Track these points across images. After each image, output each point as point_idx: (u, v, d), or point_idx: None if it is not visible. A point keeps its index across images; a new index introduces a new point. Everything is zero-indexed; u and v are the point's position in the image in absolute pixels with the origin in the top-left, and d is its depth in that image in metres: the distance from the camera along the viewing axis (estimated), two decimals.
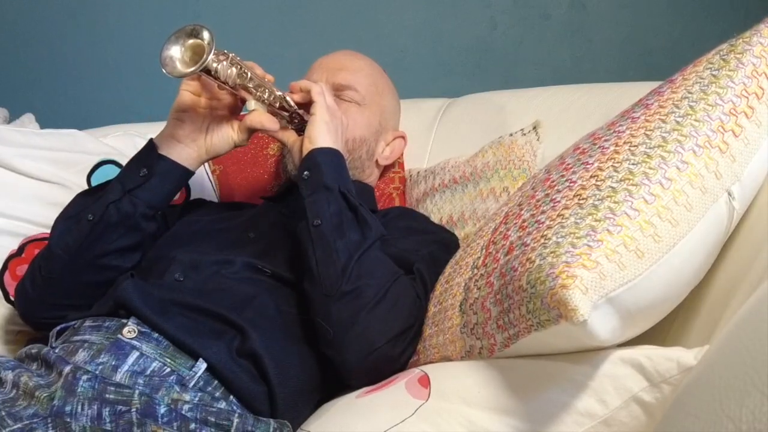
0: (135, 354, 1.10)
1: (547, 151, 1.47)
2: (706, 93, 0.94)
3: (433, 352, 1.11)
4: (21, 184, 1.48)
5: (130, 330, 1.12)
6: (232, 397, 1.12)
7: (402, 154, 1.66)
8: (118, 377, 1.08)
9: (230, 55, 1.19)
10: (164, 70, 1.15)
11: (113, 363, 1.09)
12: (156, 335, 1.12)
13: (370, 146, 1.52)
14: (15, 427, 1.00)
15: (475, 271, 1.02)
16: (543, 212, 0.93)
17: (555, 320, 0.81)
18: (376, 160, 1.56)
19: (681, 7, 2.32)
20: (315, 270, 1.16)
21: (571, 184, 0.93)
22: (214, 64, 1.16)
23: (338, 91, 1.47)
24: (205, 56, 1.13)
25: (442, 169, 1.60)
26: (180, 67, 1.15)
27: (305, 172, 1.23)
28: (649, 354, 0.84)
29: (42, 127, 1.95)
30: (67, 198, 1.45)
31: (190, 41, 1.17)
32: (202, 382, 1.10)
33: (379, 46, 2.39)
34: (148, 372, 1.09)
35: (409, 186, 1.67)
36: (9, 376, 1.10)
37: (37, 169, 1.49)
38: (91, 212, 1.26)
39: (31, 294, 1.31)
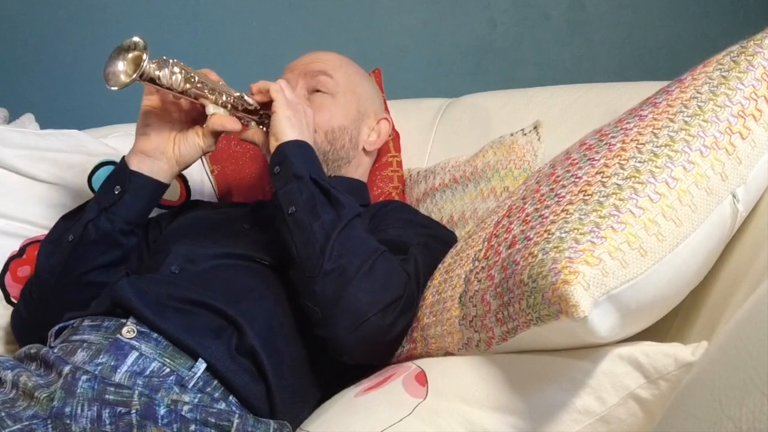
0: (134, 354, 1.10)
1: (547, 150, 1.47)
2: (715, 94, 0.93)
3: (431, 342, 1.11)
4: (22, 185, 1.48)
5: (129, 330, 1.12)
6: (231, 397, 1.12)
7: (399, 152, 1.66)
8: (118, 377, 1.08)
9: (172, 61, 1.22)
10: (107, 85, 1.18)
11: (112, 363, 1.09)
12: (155, 335, 1.12)
13: (351, 134, 1.53)
14: (15, 428, 0.99)
15: (476, 263, 1.03)
16: (547, 207, 0.93)
17: (555, 315, 0.81)
18: (363, 148, 1.56)
19: (681, 7, 2.33)
20: (296, 256, 1.18)
21: (577, 180, 0.93)
22: (156, 72, 1.20)
23: (313, 78, 1.50)
24: (142, 63, 1.15)
25: (442, 169, 1.60)
26: (123, 79, 1.18)
27: (276, 167, 1.25)
28: (646, 350, 0.85)
29: (42, 127, 1.95)
30: (68, 199, 1.49)
31: (131, 55, 1.20)
32: (201, 383, 1.10)
33: (379, 46, 2.40)
34: (148, 372, 1.10)
35: (408, 186, 1.67)
36: (8, 376, 1.09)
37: (37, 170, 1.48)
38: (71, 233, 1.30)
39: (27, 318, 1.36)
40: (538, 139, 1.49)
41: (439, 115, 1.80)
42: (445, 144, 1.74)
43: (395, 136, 1.69)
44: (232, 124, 1.30)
